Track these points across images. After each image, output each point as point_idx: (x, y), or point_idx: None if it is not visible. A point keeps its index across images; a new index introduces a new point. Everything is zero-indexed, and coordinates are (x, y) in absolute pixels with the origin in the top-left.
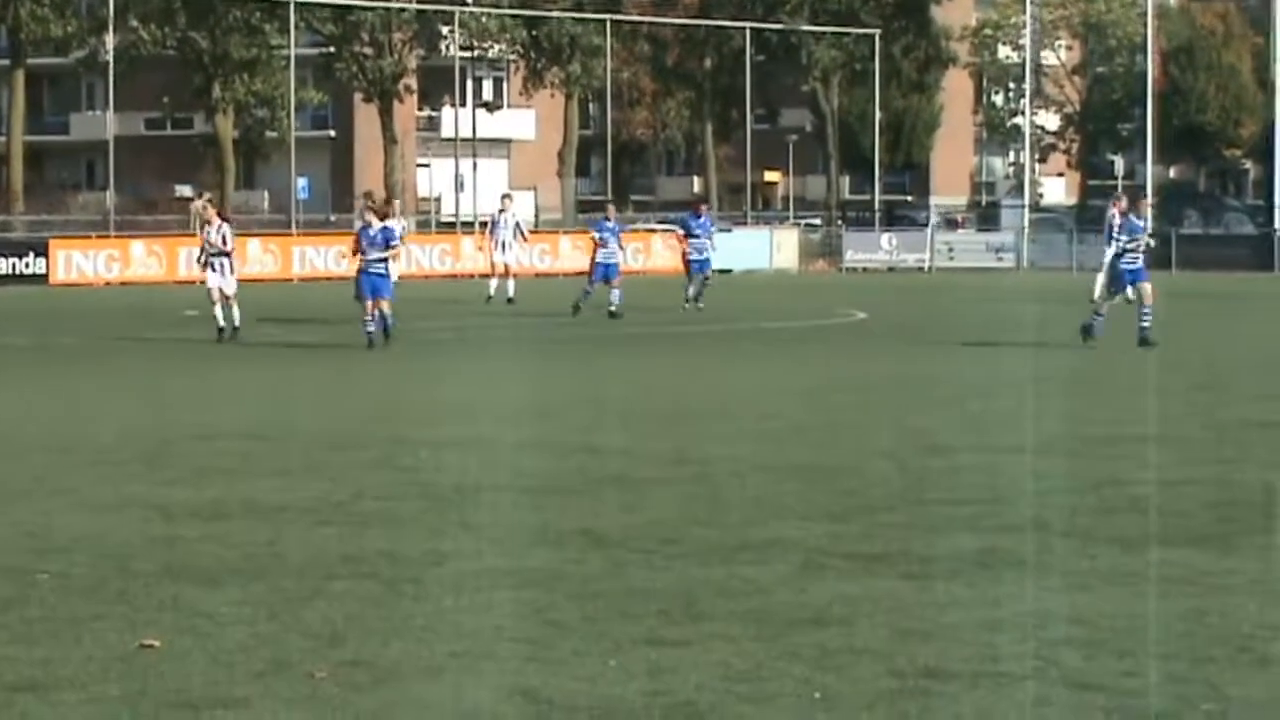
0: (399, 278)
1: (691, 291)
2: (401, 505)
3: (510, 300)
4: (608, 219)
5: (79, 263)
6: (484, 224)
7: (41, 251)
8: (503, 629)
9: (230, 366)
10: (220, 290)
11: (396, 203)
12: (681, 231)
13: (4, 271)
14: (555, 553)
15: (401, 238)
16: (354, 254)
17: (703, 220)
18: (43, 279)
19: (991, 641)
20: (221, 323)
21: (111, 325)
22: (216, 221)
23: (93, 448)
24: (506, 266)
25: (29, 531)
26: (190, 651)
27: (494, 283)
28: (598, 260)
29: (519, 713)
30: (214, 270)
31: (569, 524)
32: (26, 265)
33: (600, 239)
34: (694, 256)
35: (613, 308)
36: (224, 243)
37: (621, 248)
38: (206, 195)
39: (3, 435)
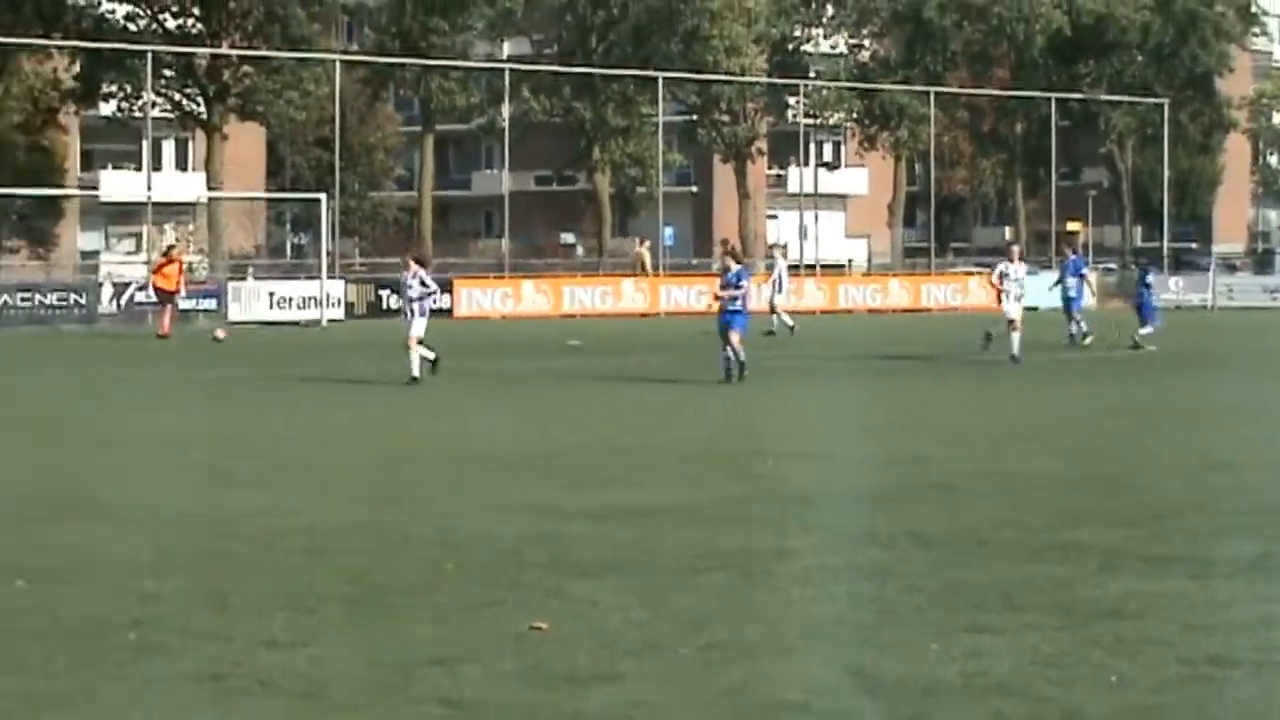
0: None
1: (1072, 329)
2: (754, 508)
3: (771, 332)
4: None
5: (479, 299)
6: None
7: (446, 289)
8: (841, 616)
9: (608, 390)
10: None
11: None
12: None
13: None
14: (885, 551)
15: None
16: (717, 297)
17: (1071, 261)
18: (448, 313)
19: (1270, 635)
20: (415, 372)
21: (507, 354)
22: (413, 268)
23: (494, 458)
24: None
25: (437, 529)
26: (575, 634)
27: (775, 319)
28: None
29: (855, 688)
30: (405, 317)
31: (897, 526)
32: (434, 301)
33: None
34: (1070, 294)
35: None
36: (424, 285)
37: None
38: (647, 242)
39: (419, 448)
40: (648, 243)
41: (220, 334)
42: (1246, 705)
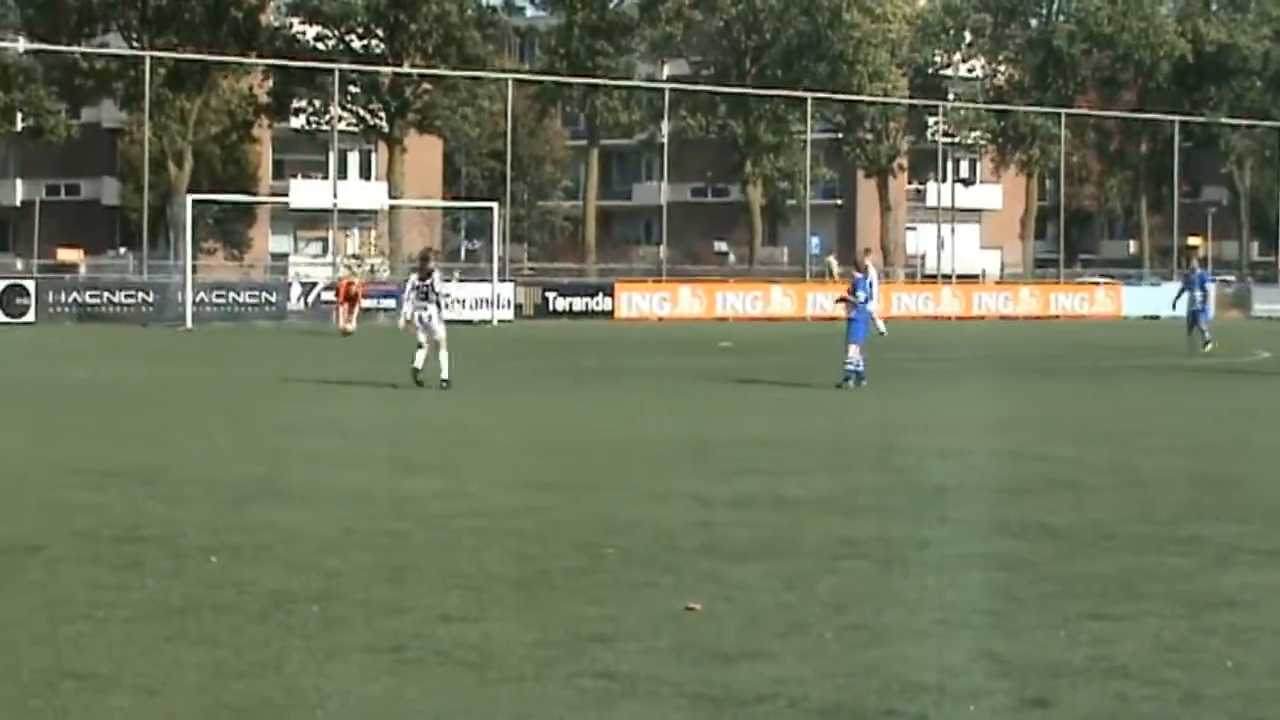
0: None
1: (1199, 337)
2: (891, 499)
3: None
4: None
5: (638, 302)
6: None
7: (609, 293)
8: (973, 603)
9: (757, 388)
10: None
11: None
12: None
13: (580, 309)
14: (1016, 542)
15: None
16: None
17: (1199, 274)
18: (609, 314)
19: None
20: (418, 364)
21: (664, 353)
22: (414, 278)
23: (649, 450)
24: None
25: (598, 515)
26: (725, 614)
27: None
28: None
29: (986, 670)
30: (422, 323)
31: (1026, 518)
32: (597, 303)
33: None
34: (1194, 308)
35: None
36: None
37: None
38: (834, 252)
39: (581, 438)
40: (834, 252)
41: (349, 328)
42: None
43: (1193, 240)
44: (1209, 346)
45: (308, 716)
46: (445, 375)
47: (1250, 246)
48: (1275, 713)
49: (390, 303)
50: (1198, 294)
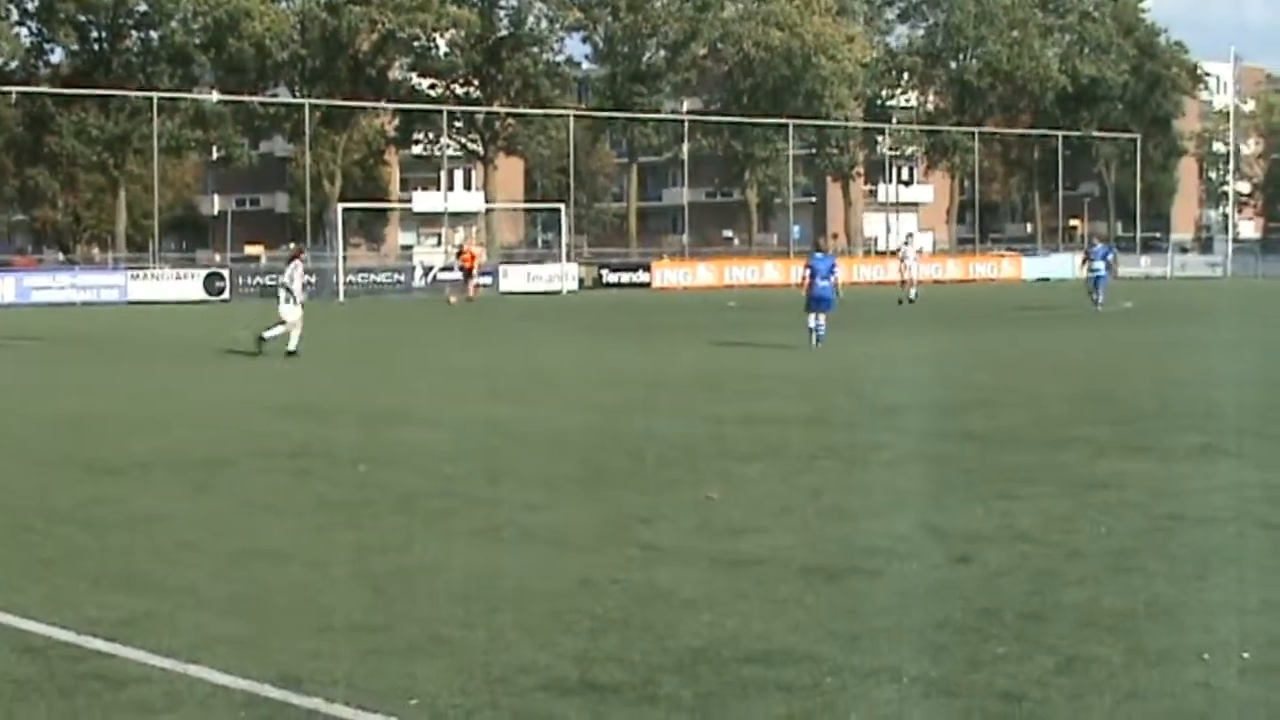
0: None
1: (1097, 297)
2: (855, 416)
3: (912, 301)
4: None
5: (668, 276)
6: (895, 253)
7: (646, 269)
8: (915, 489)
9: (753, 336)
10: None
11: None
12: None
13: (625, 281)
14: (945, 444)
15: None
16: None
17: (1098, 249)
18: (647, 285)
19: (1210, 499)
20: (266, 335)
21: (686, 312)
22: (296, 262)
23: (677, 381)
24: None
25: (640, 430)
26: (734, 501)
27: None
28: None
29: (924, 537)
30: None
31: (954, 427)
32: (638, 277)
33: (1092, 254)
34: (1098, 274)
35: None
36: (290, 280)
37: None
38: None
39: (626, 375)
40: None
41: (453, 299)
42: (1194, 546)
43: (1073, 222)
44: (1100, 307)
45: (431, 580)
46: (290, 346)
47: (1116, 225)
48: (1137, 563)
49: (486, 279)
50: (1098, 264)
